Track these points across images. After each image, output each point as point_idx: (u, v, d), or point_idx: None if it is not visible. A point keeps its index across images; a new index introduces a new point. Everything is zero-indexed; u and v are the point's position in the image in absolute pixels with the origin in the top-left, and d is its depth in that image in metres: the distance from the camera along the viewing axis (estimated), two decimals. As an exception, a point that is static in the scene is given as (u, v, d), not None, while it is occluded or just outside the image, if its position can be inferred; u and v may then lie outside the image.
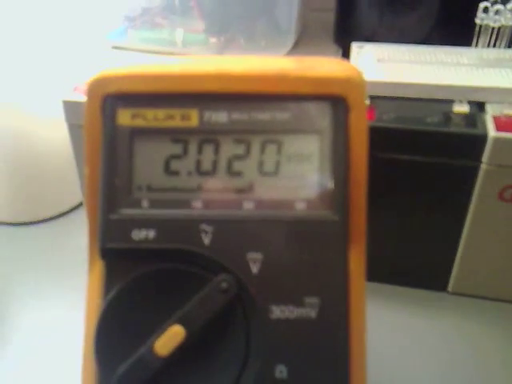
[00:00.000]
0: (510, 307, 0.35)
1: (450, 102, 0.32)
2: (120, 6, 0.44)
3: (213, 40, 0.42)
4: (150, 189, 0.21)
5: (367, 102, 0.32)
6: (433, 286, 0.36)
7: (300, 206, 0.20)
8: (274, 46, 0.42)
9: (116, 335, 0.20)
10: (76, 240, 0.20)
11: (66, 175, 0.42)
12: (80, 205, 0.46)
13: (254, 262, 0.20)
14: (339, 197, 0.20)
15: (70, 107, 0.34)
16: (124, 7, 0.44)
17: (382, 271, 0.35)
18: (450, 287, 0.36)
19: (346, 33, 0.42)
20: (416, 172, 0.31)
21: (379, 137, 0.30)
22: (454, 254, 0.34)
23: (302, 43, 0.43)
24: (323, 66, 0.21)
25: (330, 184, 0.20)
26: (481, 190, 0.31)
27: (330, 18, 0.44)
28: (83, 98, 0.21)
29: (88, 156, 0.21)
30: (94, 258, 0.21)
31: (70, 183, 0.41)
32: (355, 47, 0.36)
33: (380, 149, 0.30)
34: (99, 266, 0.21)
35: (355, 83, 0.20)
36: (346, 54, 0.37)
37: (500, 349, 0.33)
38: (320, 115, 0.20)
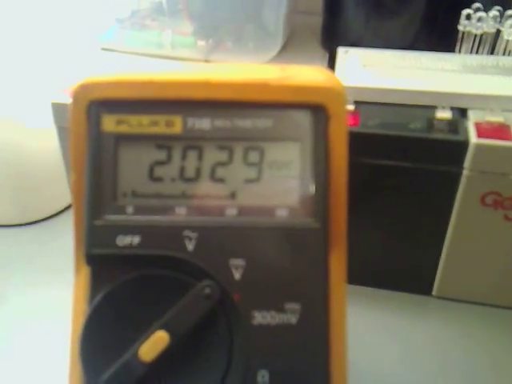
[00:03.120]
0: (494, 311, 0.36)
1: (433, 108, 0.32)
2: (110, 8, 0.44)
3: (201, 43, 0.42)
4: (134, 195, 0.21)
5: (351, 107, 0.32)
6: (417, 289, 0.36)
7: (281, 213, 0.21)
8: (261, 49, 0.42)
9: (101, 341, 0.20)
10: (68, 241, 0.21)
11: (57, 176, 0.42)
12: (70, 206, 0.46)
13: (237, 268, 0.20)
14: (320, 204, 0.20)
15: (59, 109, 0.34)
16: (114, 9, 0.44)
17: (367, 275, 0.36)
18: (434, 291, 0.36)
19: (332, 37, 0.42)
20: (399, 177, 0.32)
21: (363, 142, 0.30)
22: (438, 258, 0.34)
23: (289, 46, 0.44)
24: (305, 74, 0.21)
25: (310, 191, 0.21)
26: (463, 196, 0.31)
27: (317, 21, 0.44)
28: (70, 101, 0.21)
29: (74, 162, 0.21)
30: (79, 264, 0.21)
31: (61, 184, 0.41)
32: (341, 52, 0.36)
33: (364, 154, 0.31)
34: (85, 271, 0.21)
35: (335, 92, 0.20)
36: (332, 58, 0.37)
37: (485, 352, 0.33)
38: (301, 123, 0.20)
